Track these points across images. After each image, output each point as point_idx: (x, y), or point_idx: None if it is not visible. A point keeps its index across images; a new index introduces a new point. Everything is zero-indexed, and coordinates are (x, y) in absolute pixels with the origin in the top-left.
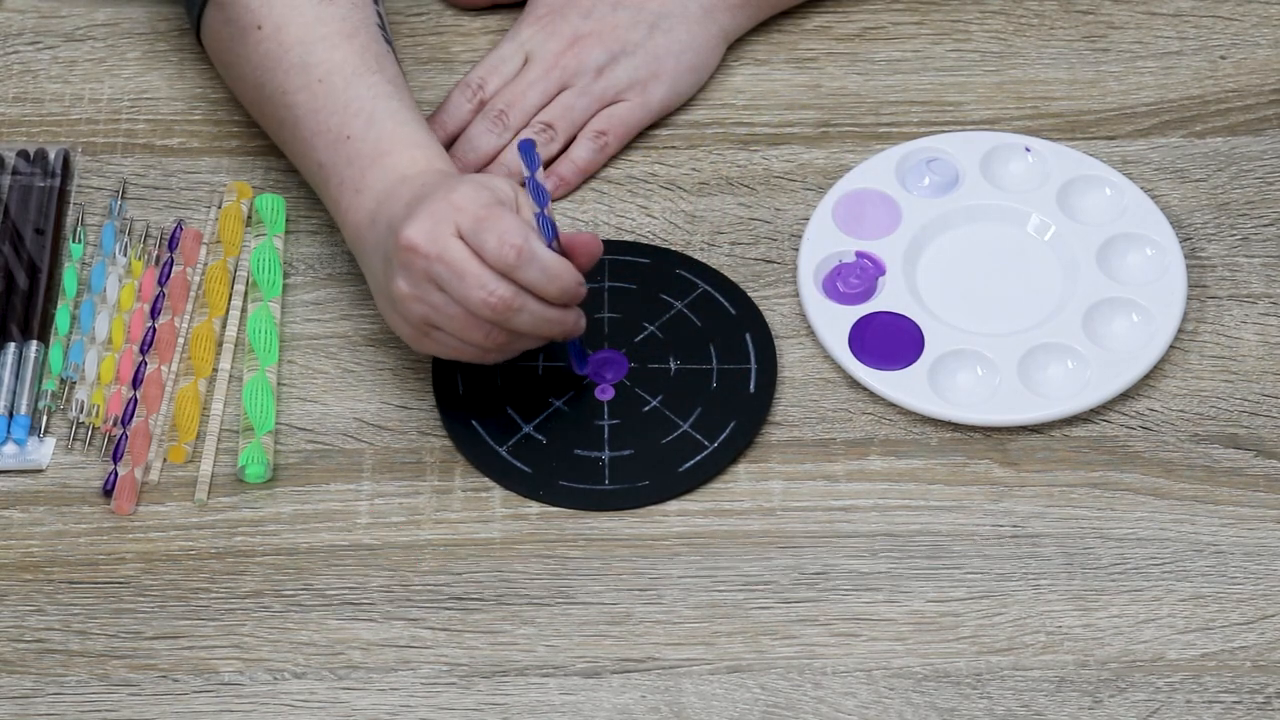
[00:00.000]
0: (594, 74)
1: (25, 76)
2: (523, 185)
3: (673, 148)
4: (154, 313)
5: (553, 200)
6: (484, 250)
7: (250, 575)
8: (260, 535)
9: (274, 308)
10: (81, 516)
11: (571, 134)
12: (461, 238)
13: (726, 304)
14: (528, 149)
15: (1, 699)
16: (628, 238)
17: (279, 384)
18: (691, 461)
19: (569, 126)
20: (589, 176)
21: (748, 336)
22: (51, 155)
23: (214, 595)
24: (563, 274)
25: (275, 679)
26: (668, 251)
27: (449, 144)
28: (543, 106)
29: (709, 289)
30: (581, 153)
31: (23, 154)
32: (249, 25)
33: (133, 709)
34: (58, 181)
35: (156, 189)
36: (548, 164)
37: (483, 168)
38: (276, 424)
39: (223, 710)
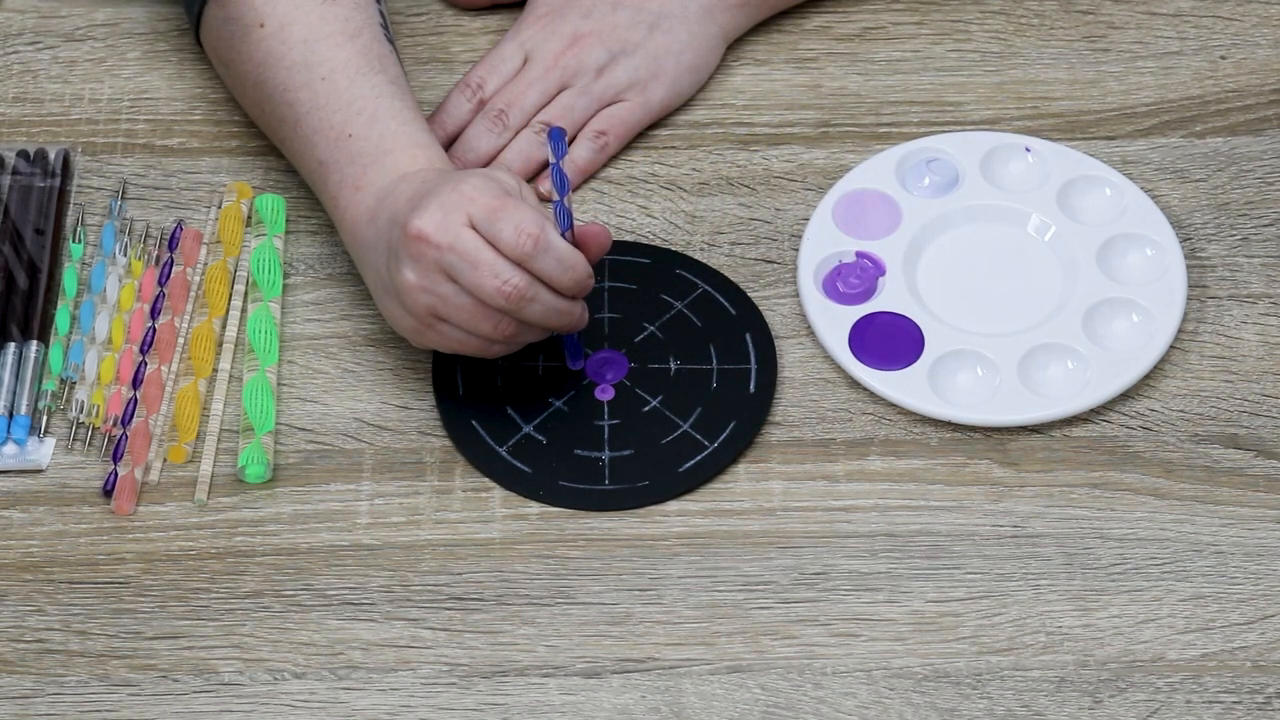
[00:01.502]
0: (594, 74)
1: (25, 76)
2: (532, 177)
3: (673, 148)
4: (154, 313)
5: (549, 201)
6: (499, 240)
7: (250, 575)
8: (260, 535)
9: (274, 308)
10: (81, 516)
11: (571, 134)
12: (474, 227)
13: (726, 304)
14: (558, 137)
15: (1, 699)
16: (628, 238)
17: (279, 384)
18: (692, 461)
19: (569, 126)
20: (589, 177)
21: (748, 336)
22: (51, 155)
23: (214, 595)
24: (577, 264)
25: (275, 679)
26: (668, 251)
27: (448, 144)
28: (542, 106)
29: (709, 289)
30: (581, 153)
31: (23, 154)
32: (251, 23)
33: (133, 709)
34: (58, 182)
35: (156, 189)
36: (546, 165)
37: (478, 167)
38: (277, 424)
39: (223, 710)
